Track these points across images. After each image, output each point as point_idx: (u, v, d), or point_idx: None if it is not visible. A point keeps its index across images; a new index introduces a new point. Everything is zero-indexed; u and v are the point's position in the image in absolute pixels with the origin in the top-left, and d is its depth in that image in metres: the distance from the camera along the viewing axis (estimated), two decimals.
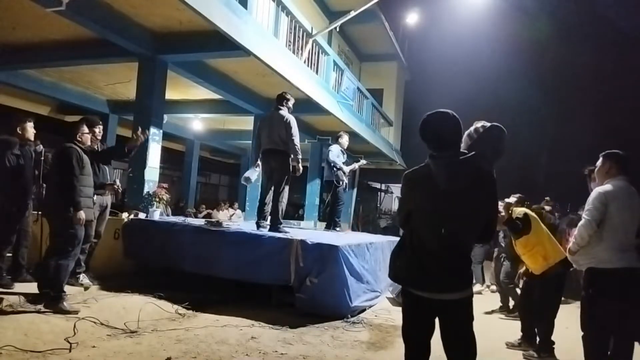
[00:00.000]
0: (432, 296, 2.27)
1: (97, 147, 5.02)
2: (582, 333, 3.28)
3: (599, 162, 3.35)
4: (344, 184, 7.36)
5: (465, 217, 2.25)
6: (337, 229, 7.37)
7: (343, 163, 7.29)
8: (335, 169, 7.18)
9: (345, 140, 7.49)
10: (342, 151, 7.37)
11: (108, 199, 5.17)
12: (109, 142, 9.52)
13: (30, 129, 4.68)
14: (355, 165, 8.14)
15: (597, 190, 3.22)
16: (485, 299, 6.87)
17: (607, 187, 3.19)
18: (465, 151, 2.35)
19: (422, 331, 2.35)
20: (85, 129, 4.41)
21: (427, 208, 2.30)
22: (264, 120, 5.81)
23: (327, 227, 7.61)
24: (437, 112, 2.32)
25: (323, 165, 8.91)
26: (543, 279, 4.17)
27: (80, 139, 4.33)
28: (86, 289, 4.86)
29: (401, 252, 2.39)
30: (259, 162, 5.80)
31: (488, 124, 2.72)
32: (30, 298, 4.08)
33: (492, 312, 6.19)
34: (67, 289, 4.37)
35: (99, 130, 4.94)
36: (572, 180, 6.70)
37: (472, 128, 2.72)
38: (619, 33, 19.40)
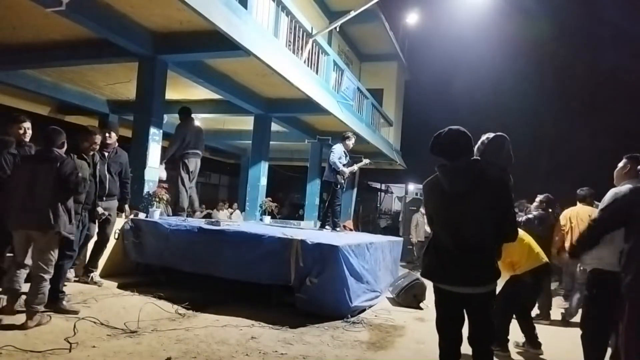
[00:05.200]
0: (453, 289, 2.56)
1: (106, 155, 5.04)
2: (581, 332, 3.29)
3: (620, 163, 3.33)
4: (342, 185, 7.32)
5: (472, 218, 2.48)
6: (337, 229, 7.36)
7: (344, 165, 7.21)
8: (335, 171, 7.13)
9: (351, 143, 7.34)
10: (345, 152, 7.28)
11: (114, 203, 5.23)
12: None
13: (26, 129, 4.67)
14: (355, 167, 7.81)
15: (613, 190, 3.18)
16: None
17: (623, 188, 3.13)
18: (475, 159, 2.63)
19: (449, 321, 2.64)
20: (95, 139, 4.40)
21: (439, 211, 2.64)
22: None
23: (322, 227, 7.60)
24: (447, 130, 2.56)
25: (324, 165, 8.85)
26: (507, 282, 4.20)
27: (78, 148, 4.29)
28: (99, 286, 5.01)
29: (427, 250, 2.72)
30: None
31: (492, 135, 3.02)
32: None
33: None
34: (71, 288, 4.38)
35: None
36: (568, 181, 6.71)
37: (480, 141, 3.01)
38: (619, 33, 19.39)
